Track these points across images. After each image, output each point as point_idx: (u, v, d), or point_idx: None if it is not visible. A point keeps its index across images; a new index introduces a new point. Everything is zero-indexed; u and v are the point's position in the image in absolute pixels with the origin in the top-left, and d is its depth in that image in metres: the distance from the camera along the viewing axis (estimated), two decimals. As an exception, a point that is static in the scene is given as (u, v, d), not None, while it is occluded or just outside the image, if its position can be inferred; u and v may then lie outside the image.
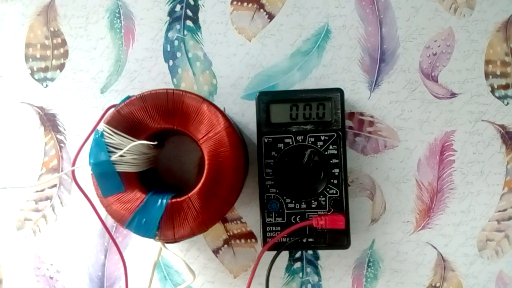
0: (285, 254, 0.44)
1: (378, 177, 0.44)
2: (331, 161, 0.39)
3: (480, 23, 0.44)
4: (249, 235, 0.44)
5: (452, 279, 0.44)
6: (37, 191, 0.45)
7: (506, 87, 0.44)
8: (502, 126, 0.44)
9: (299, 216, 0.39)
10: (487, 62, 0.44)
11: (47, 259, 0.45)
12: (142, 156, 0.38)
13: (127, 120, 0.37)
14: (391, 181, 0.44)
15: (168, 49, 0.44)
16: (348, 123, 0.44)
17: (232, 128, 0.37)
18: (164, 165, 0.44)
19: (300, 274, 0.44)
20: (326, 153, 0.39)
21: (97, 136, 0.37)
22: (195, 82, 0.44)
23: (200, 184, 0.36)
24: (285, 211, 0.39)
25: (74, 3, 0.45)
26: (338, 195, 0.39)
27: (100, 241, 0.45)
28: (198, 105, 0.37)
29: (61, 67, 0.45)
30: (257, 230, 0.44)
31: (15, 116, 0.45)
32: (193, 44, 0.44)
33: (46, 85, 0.45)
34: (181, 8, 0.44)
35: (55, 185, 0.45)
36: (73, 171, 0.38)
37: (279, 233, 0.39)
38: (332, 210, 0.39)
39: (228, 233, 0.44)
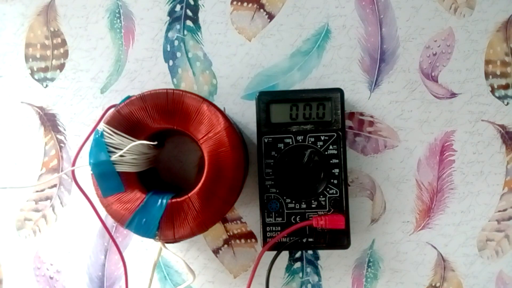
0: (285, 254, 0.44)
1: (378, 177, 0.44)
2: (331, 161, 0.39)
3: (480, 23, 0.44)
4: (249, 235, 0.44)
5: (452, 279, 0.44)
6: (37, 191, 0.45)
7: (506, 87, 0.44)
8: (502, 126, 0.44)
9: (299, 216, 0.39)
10: (487, 62, 0.44)
11: (47, 259, 0.45)
12: (142, 156, 0.38)
13: (127, 120, 0.37)
14: (391, 181, 0.44)
15: (168, 49, 0.44)
16: (348, 123, 0.44)
17: (232, 128, 0.37)
18: (164, 165, 0.44)
19: (300, 274, 0.44)
20: (326, 153, 0.39)
21: (97, 136, 0.37)
22: (195, 82, 0.44)
23: (200, 184, 0.36)
24: (285, 211, 0.39)
25: (74, 3, 0.45)
26: (338, 195, 0.39)
27: (100, 241, 0.45)
28: (198, 105, 0.37)
29: (61, 67, 0.45)
30: (257, 230, 0.44)
31: (15, 116, 0.45)
32: (193, 44, 0.44)
33: (46, 85, 0.45)
34: (181, 8, 0.44)
35: (55, 185, 0.45)
36: (73, 171, 0.38)
37: (279, 233, 0.39)
38: (332, 210, 0.39)
39: (228, 233, 0.44)
